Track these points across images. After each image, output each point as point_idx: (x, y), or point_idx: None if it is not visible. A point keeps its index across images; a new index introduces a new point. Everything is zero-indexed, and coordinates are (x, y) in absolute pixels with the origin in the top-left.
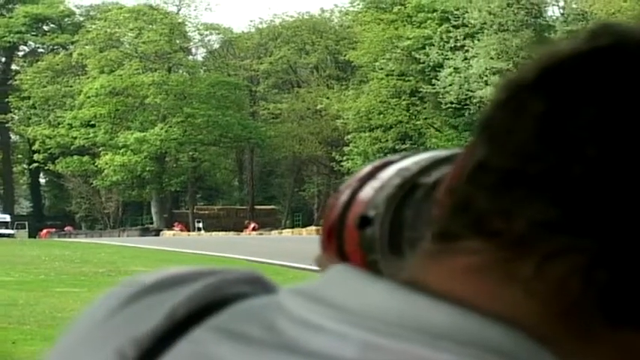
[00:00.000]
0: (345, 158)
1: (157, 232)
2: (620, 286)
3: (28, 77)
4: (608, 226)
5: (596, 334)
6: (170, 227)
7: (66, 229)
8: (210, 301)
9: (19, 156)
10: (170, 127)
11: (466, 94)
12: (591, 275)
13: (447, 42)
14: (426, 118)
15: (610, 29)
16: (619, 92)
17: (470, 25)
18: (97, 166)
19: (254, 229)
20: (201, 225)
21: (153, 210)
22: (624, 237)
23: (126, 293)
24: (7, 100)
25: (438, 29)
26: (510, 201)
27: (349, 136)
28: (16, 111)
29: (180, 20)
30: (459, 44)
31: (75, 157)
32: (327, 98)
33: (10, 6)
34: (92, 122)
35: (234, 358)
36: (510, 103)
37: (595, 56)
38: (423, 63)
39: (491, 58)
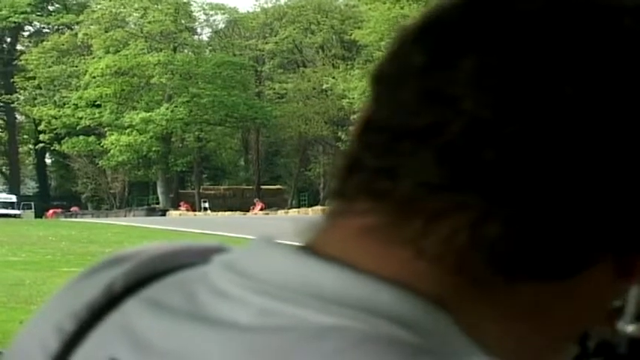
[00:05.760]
0: (351, 138)
1: (163, 212)
2: (510, 240)
3: (33, 57)
4: (491, 181)
5: (490, 289)
6: (176, 207)
7: (72, 209)
8: (152, 273)
9: (25, 136)
10: (176, 107)
11: None
12: (478, 230)
13: None
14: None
15: None
16: (497, 43)
17: None
18: (102, 146)
19: (261, 209)
20: (207, 205)
21: (159, 190)
22: (508, 191)
23: (77, 275)
24: (12, 80)
25: None
26: (395, 159)
27: (355, 116)
28: (22, 91)
29: (185, 0)
30: None
31: (81, 137)
32: (333, 78)
33: None
34: (98, 102)
35: (151, 326)
36: (396, 57)
37: (475, 6)
38: None
39: None
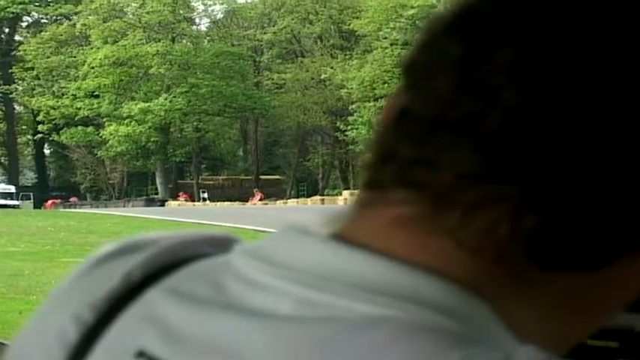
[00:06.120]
0: (349, 128)
1: (162, 203)
2: (547, 231)
3: (31, 48)
4: (531, 172)
5: (530, 281)
6: (175, 198)
7: (71, 199)
8: (169, 263)
9: (24, 127)
10: (174, 97)
11: None
12: (518, 221)
13: None
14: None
15: None
16: (535, 34)
17: None
18: (101, 136)
19: (260, 199)
20: (206, 195)
21: (158, 180)
22: (548, 182)
23: (90, 261)
24: (10, 71)
25: None
26: (433, 150)
27: (353, 106)
28: (20, 82)
29: None
30: None
31: (79, 127)
32: (331, 68)
33: None
34: (96, 93)
35: (181, 317)
36: (430, 46)
37: None
38: None
39: None
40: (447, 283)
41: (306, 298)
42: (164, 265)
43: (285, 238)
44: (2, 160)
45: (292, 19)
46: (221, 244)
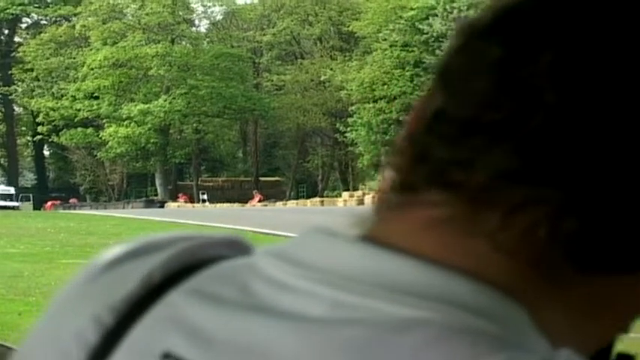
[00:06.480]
0: (349, 129)
1: (162, 204)
2: (587, 234)
3: (31, 49)
4: (572, 174)
5: (565, 284)
6: (174, 199)
7: (71, 201)
8: (188, 265)
9: (23, 128)
10: (174, 98)
11: None
12: (558, 224)
13: (451, 12)
14: (429, 90)
15: None
16: (577, 35)
17: None
18: (101, 138)
19: (259, 200)
20: (205, 197)
21: (157, 182)
22: (589, 185)
23: (103, 261)
24: (10, 72)
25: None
26: (469, 151)
27: (353, 107)
28: (20, 83)
29: None
30: (462, 14)
31: (79, 129)
32: (331, 69)
33: None
34: (96, 94)
35: (207, 319)
36: (466, 49)
37: None
38: (427, 34)
39: None
40: (480, 285)
41: (339, 300)
42: (184, 267)
43: (311, 240)
44: (2, 162)
45: (292, 21)
46: (238, 247)
